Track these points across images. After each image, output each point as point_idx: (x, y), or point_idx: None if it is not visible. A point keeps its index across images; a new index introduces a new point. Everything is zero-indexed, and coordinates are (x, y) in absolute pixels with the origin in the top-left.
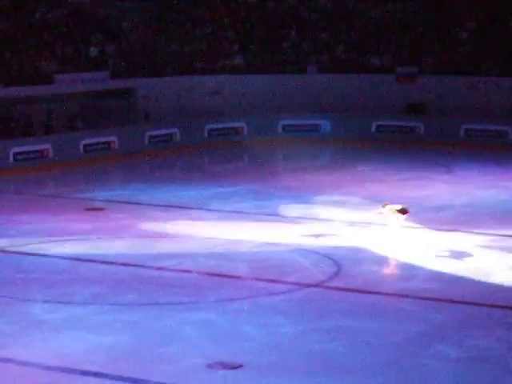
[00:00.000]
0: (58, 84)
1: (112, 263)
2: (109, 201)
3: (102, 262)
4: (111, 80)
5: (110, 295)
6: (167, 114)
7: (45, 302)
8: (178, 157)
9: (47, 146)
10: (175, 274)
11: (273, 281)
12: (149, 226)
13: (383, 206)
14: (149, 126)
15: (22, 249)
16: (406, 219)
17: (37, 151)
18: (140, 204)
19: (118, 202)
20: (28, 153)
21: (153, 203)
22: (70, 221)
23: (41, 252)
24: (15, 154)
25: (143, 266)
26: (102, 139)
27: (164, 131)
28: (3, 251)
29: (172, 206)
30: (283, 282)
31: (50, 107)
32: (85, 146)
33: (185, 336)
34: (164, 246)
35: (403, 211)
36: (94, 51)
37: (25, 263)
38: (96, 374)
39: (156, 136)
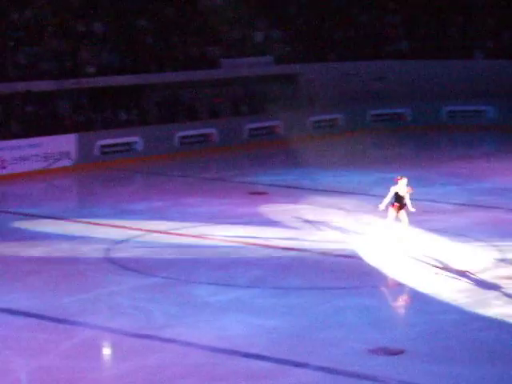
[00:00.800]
0: (223, 69)
1: (275, 247)
2: (272, 185)
3: (265, 246)
4: (276, 65)
5: (272, 279)
6: (331, 99)
7: (209, 284)
8: (341, 142)
9: (212, 130)
10: (337, 259)
11: (437, 267)
12: (311, 210)
13: (400, 178)
14: (313, 110)
15: (187, 231)
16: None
17: (202, 135)
18: (303, 189)
19: (281, 186)
20: (193, 137)
21: (315, 188)
22: (233, 204)
23: (205, 235)
24: (181, 138)
25: (305, 250)
26: (266, 124)
27: (328, 116)
28: (168, 233)
29: (334, 191)
30: (448, 270)
31: (215, 92)
32: (249, 130)
33: (346, 321)
34: (326, 231)
35: (400, 207)
36: (259, 36)
37: (189, 246)
38: (258, 357)
39: (320, 121)
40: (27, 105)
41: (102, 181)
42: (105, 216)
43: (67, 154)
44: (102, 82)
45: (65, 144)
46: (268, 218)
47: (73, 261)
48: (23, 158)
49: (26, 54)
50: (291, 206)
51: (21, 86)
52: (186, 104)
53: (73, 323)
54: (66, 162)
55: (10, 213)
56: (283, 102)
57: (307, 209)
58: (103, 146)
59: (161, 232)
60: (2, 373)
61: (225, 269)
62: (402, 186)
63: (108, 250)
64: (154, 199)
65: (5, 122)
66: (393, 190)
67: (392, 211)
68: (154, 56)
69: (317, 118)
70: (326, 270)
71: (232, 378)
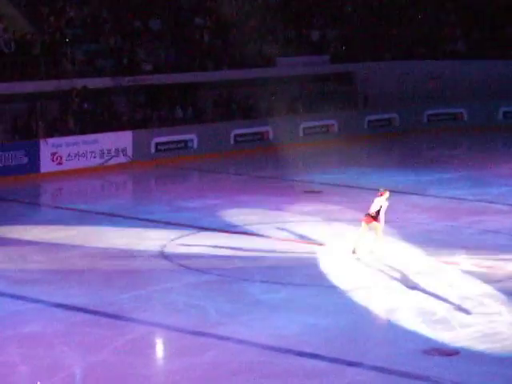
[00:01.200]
0: (279, 67)
1: (330, 246)
2: (326, 184)
3: (320, 245)
4: (331, 64)
5: (326, 277)
6: (386, 99)
7: (263, 282)
8: (397, 141)
9: (267, 128)
10: (393, 259)
11: (491, 267)
12: (366, 209)
13: (384, 190)
14: (368, 110)
15: (241, 229)
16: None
17: (257, 133)
18: (357, 188)
19: (336, 185)
20: (248, 135)
21: (370, 187)
22: (288, 203)
23: (259, 233)
24: (236, 136)
25: (360, 250)
26: (322, 123)
27: (383, 116)
28: (222, 231)
29: (390, 191)
30: (502, 270)
31: (270, 90)
32: (304, 129)
33: (400, 320)
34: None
35: (370, 218)
36: (315, 35)
37: (243, 243)
38: (311, 356)
39: (375, 120)
40: (84, 101)
41: (157, 178)
42: (160, 213)
43: (123, 151)
44: (158, 79)
45: (121, 141)
46: (323, 216)
47: (128, 257)
48: (79, 155)
49: (83, 50)
50: (346, 205)
51: (78, 83)
52: (242, 102)
53: (127, 319)
54: (121, 159)
55: (66, 209)
56: (338, 101)
57: (362, 208)
58: (159, 144)
59: (215, 230)
60: (57, 368)
61: (279, 267)
62: (384, 199)
63: (163, 247)
64: (209, 197)
65: (61, 119)
66: (377, 202)
67: (378, 224)
68: (210, 54)
69: (372, 117)
70: (381, 269)
71: (285, 377)
